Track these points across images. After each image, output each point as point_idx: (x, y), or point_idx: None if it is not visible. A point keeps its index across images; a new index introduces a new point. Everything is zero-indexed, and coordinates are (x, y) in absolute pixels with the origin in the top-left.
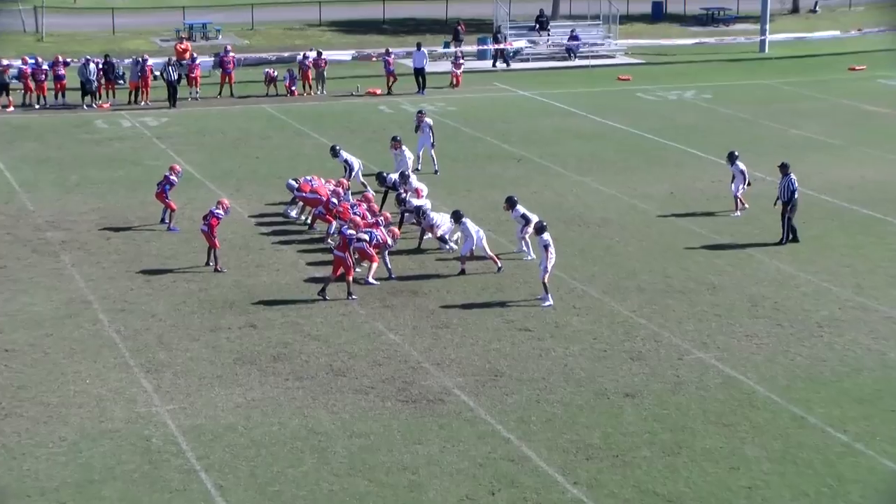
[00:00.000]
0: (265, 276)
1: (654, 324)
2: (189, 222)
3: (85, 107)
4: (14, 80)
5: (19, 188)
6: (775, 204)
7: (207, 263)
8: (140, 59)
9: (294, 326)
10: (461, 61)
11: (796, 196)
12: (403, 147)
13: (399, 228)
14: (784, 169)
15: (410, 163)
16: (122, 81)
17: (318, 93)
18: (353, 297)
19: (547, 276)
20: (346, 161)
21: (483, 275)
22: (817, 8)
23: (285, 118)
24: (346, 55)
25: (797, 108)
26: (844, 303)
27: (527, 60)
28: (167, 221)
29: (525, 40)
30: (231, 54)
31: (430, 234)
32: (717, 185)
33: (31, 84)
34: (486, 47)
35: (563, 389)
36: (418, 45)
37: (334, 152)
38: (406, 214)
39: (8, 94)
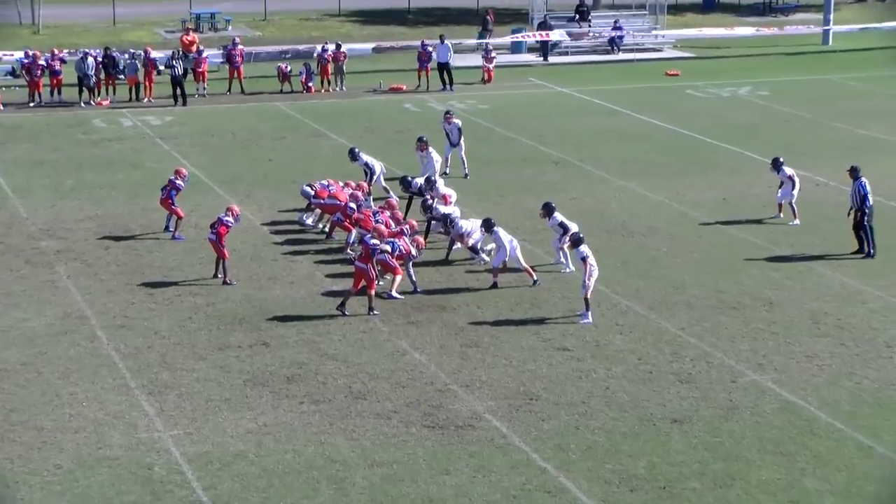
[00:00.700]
0: (278, 289)
1: (704, 343)
2: (195, 230)
3: (82, 104)
4: (8, 76)
5: (11, 193)
6: (849, 213)
7: (215, 275)
8: (141, 52)
9: (310, 345)
10: (493, 55)
11: (869, 201)
12: (430, 149)
13: (425, 238)
14: (854, 173)
15: (438, 166)
16: (122, 77)
17: (337, 89)
18: (375, 312)
19: (589, 292)
20: (366, 164)
21: (517, 288)
22: None
23: (300, 117)
24: (367, 48)
25: (864, 106)
26: None
27: (566, 54)
28: (172, 230)
29: (563, 31)
30: (240, 47)
31: (459, 244)
32: (774, 191)
33: (26, 79)
34: (519, 38)
35: (604, 415)
36: (441, 38)
37: (353, 155)
38: (433, 223)
39: None
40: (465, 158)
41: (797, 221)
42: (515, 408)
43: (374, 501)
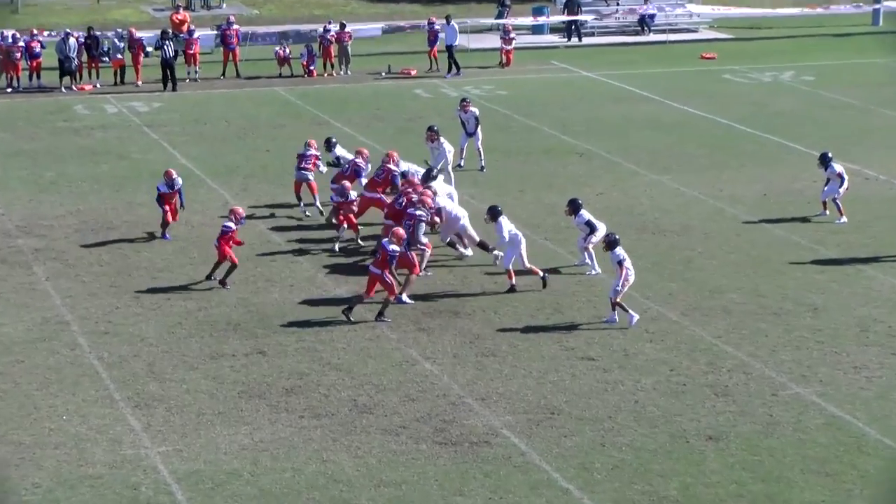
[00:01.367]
0: (276, 292)
1: (742, 352)
2: (186, 227)
3: (63, 89)
4: None
5: None
6: None
7: (210, 276)
8: (125, 33)
9: (311, 353)
10: (512, 36)
11: None
12: (442, 139)
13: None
14: None
15: (451, 157)
16: (107, 59)
17: (342, 73)
18: (386, 319)
19: (619, 297)
20: (337, 158)
21: (538, 293)
22: None
23: (301, 103)
24: (374, 28)
25: None
26: None
27: (591, 34)
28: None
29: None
30: (236, 27)
31: (460, 248)
32: (819, 186)
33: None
34: (543, 20)
35: (633, 431)
36: (448, 19)
37: (329, 146)
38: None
39: None
40: (481, 150)
41: (844, 219)
42: (535, 423)
43: None
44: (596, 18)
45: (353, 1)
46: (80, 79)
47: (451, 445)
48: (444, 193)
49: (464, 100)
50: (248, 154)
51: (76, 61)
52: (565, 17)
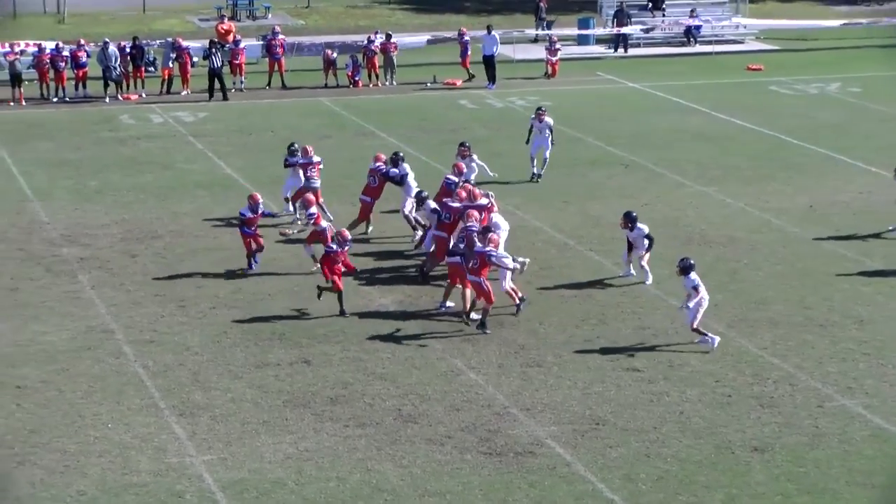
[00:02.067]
0: (321, 302)
1: (788, 364)
2: (230, 237)
3: (108, 99)
4: (31, 69)
5: (32, 196)
6: None
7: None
8: (172, 41)
9: (355, 363)
10: (557, 47)
11: None
12: (474, 155)
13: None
14: None
15: (473, 176)
16: (153, 69)
17: (387, 83)
18: (488, 331)
19: (696, 322)
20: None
21: (582, 303)
22: None
23: (346, 114)
24: (419, 39)
25: None
26: None
27: (637, 46)
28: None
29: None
30: (281, 37)
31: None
32: (866, 198)
33: (49, 73)
34: (589, 32)
35: (678, 442)
36: (489, 29)
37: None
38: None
39: (20, 87)
40: (547, 159)
41: None
42: (580, 434)
43: None
44: (643, 30)
45: (398, 12)
46: (127, 88)
47: (496, 456)
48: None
49: (539, 108)
50: None
51: (118, 70)
52: (613, 30)
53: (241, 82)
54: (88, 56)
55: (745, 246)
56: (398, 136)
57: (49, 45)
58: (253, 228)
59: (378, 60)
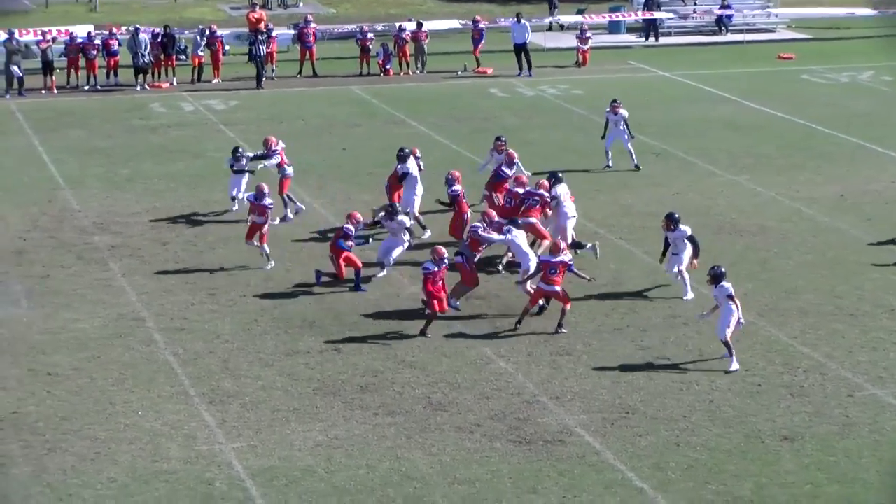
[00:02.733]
0: (352, 291)
1: (819, 353)
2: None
3: (139, 87)
4: (63, 57)
5: (63, 184)
6: None
7: (423, 333)
8: (205, 29)
9: (385, 351)
10: (588, 35)
11: None
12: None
13: None
14: None
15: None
16: (184, 57)
17: (417, 72)
18: (563, 329)
19: (730, 332)
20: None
21: (612, 293)
22: None
23: (377, 102)
24: (451, 27)
25: None
26: None
27: (668, 34)
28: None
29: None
30: (312, 25)
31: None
32: None
33: (80, 61)
34: (619, 17)
35: (707, 431)
36: (518, 17)
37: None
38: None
39: (52, 74)
40: (632, 150)
41: None
42: (610, 422)
43: None
44: (673, 18)
45: (429, 0)
46: (158, 76)
47: (526, 444)
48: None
49: (614, 101)
50: (323, 153)
51: (147, 58)
52: (644, 16)
53: (273, 70)
54: (120, 44)
55: (776, 235)
56: (428, 124)
57: (81, 34)
58: (349, 245)
59: (409, 49)
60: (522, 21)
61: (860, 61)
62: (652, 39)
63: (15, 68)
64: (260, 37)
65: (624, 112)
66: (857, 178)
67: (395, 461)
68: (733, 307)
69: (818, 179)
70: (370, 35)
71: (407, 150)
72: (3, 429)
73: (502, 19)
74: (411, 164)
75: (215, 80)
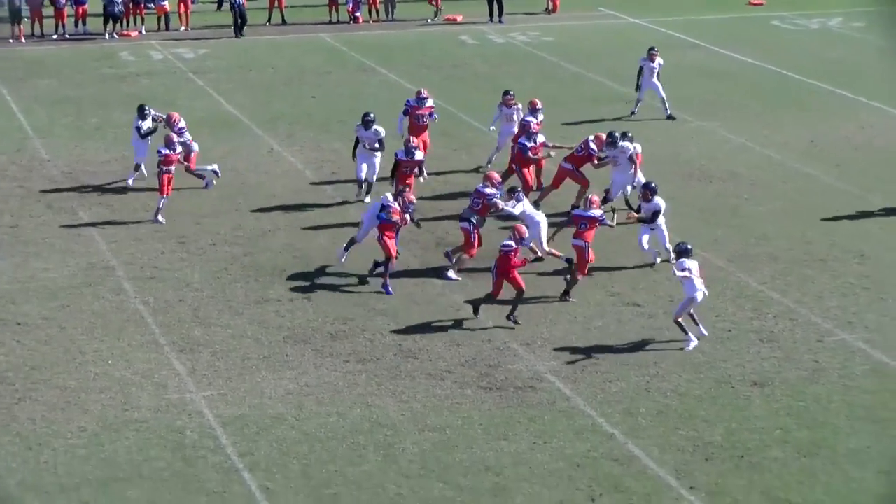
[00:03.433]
0: (322, 238)
1: (789, 299)
2: (232, 174)
3: (107, 36)
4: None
5: (32, 133)
6: None
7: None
8: None
9: (356, 299)
10: None
11: None
12: (518, 105)
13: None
14: None
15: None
16: (151, 5)
17: (387, 19)
18: (572, 299)
19: (684, 313)
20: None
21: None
22: None
23: (347, 50)
24: None
25: None
26: None
27: None
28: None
29: None
30: None
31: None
32: (868, 132)
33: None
34: None
35: (678, 376)
36: None
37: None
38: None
39: (19, 24)
40: (665, 99)
41: None
42: (580, 368)
43: (424, 469)
44: None
45: None
46: (127, 25)
47: (496, 390)
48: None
49: (651, 49)
50: (293, 101)
51: (120, 6)
52: None
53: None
54: None
55: (746, 181)
56: (399, 72)
57: None
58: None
59: None
60: None
61: (830, 6)
62: None
63: None
64: None
65: (661, 60)
66: (828, 124)
67: (366, 408)
68: (689, 285)
69: (788, 126)
70: None
71: (373, 115)
72: None
73: None
74: (380, 129)
75: (183, 29)
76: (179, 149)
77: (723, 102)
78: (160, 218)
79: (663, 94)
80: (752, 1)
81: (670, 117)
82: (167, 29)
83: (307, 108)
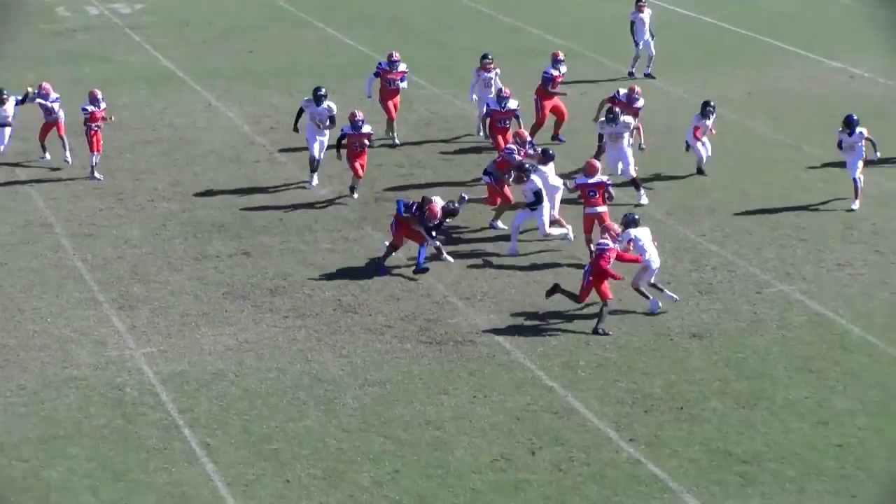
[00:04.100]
0: (260, 194)
1: (727, 251)
2: (169, 129)
3: None
4: None
5: None
6: None
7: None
8: None
9: (295, 254)
10: None
11: None
12: (497, 70)
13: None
14: None
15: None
16: None
17: None
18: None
19: (642, 280)
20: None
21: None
22: None
23: (284, 4)
24: None
25: None
26: None
27: None
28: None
29: None
30: None
31: None
32: (805, 84)
33: None
34: None
35: (617, 329)
36: None
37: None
38: None
39: None
40: (654, 54)
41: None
42: (520, 322)
43: (365, 424)
44: None
45: None
46: None
47: (436, 344)
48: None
49: (639, 1)
50: (230, 56)
51: None
52: None
53: None
54: None
55: (684, 134)
56: (337, 26)
57: None
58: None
59: None
60: None
61: None
62: None
63: None
64: None
65: (649, 11)
66: (766, 76)
67: (306, 364)
68: (641, 255)
69: (726, 78)
70: None
71: (325, 91)
72: None
73: None
74: (332, 105)
75: None
76: (104, 105)
77: (660, 55)
78: (97, 175)
79: (653, 51)
80: None
81: (649, 76)
82: None
83: (245, 62)
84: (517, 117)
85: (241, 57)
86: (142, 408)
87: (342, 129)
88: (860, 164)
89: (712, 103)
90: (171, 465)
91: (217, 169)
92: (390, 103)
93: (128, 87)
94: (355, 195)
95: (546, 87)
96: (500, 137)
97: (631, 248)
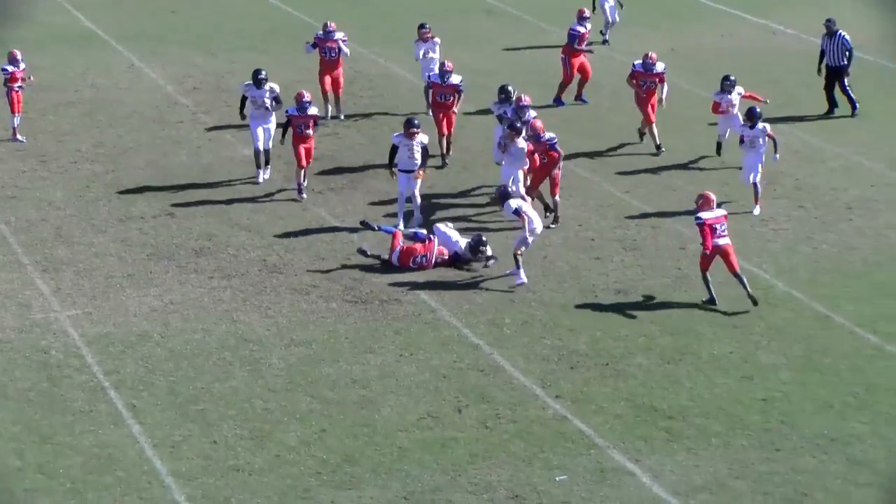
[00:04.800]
0: (184, 154)
1: (651, 206)
2: (92, 90)
3: None
4: None
5: None
6: (819, 71)
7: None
8: None
9: (220, 215)
10: None
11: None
12: (437, 39)
13: None
14: (831, 26)
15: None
16: None
17: None
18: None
19: (521, 248)
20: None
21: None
22: None
23: None
24: None
25: None
26: (878, 180)
27: None
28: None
29: None
30: None
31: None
32: (729, 40)
33: None
34: None
35: (542, 286)
36: None
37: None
38: None
39: None
40: (615, 21)
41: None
42: (445, 280)
43: (291, 384)
44: None
45: None
46: None
47: (362, 304)
48: None
49: None
50: (153, 16)
51: None
52: None
53: None
54: None
55: (607, 90)
56: None
57: None
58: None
59: None
60: None
61: None
62: None
63: None
64: None
65: None
66: (688, 32)
67: (232, 324)
68: (523, 223)
69: (648, 35)
70: None
71: (265, 73)
72: None
73: None
74: (275, 86)
75: None
76: (24, 65)
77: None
78: (19, 137)
79: (616, 17)
80: None
81: (605, 42)
82: None
83: (168, 23)
84: (459, 92)
85: (165, 17)
86: (67, 370)
87: (286, 111)
88: (760, 167)
89: (732, 77)
90: (97, 428)
91: (140, 130)
92: (328, 77)
93: (49, 47)
94: (304, 195)
95: (573, 44)
96: (441, 115)
97: (514, 217)
